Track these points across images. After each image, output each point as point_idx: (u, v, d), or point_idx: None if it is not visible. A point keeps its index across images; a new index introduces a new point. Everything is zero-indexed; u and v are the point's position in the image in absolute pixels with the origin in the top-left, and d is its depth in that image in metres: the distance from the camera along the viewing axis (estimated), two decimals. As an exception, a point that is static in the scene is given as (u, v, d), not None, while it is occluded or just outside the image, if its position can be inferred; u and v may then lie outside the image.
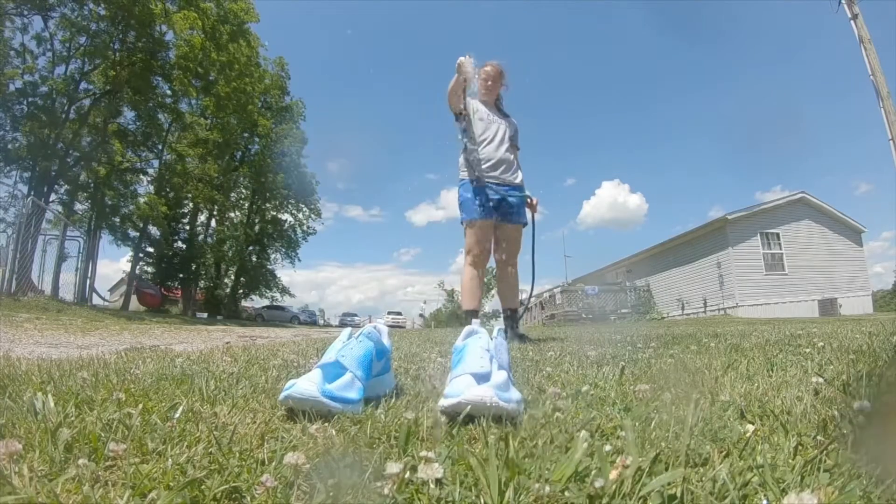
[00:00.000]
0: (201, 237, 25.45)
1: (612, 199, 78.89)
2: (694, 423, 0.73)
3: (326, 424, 0.79)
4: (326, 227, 68.40)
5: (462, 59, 3.00)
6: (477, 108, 3.28)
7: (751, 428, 0.70)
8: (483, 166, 3.16)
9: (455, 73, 3.04)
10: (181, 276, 24.29)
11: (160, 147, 21.08)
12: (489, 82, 3.32)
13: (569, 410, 0.86)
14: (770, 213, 16.09)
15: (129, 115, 19.96)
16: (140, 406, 0.83)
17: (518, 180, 3.26)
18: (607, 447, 0.60)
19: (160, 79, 18.83)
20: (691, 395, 0.88)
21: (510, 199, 3.18)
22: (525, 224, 3.30)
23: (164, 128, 20.51)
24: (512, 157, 3.27)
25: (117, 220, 20.30)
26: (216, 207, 24.59)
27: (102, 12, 16.42)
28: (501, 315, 3.43)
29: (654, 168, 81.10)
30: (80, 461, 0.54)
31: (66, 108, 17.49)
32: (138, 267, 22.50)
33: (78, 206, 19.56)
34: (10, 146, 16.90)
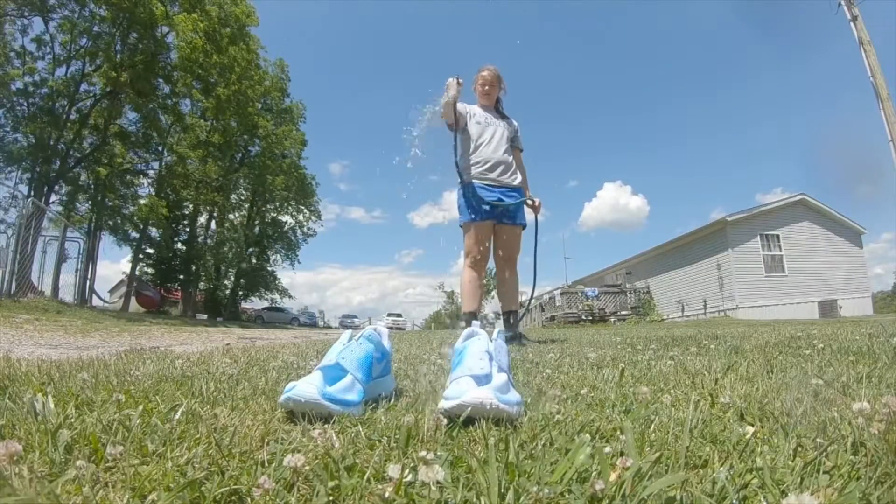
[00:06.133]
0: (201, 238, 25.45)
1: (614, 200, 78.94)
2: (694, 424, 0.73)
3: (326, 426, 0.79)
4: (328, 229, 68.67)
5: (450, 80, 3.02)
6: (474, 112, 3.28)
7: (750, 430, 0.70)
8: (481, 168, 3.16)
9: (445, 91, 3.04)
10: (181, 277, 24.28)
11: (161, 149, 21.11)
12: (486, 87, 3.32)
13: (569, 412, 0.86)
14: (770, 214, 16.09)
15: (130, 116, 20.03)
16: (140, 407, 0.83)
17: (516, 182, 3.25)
18: (607, 449, 0.60)
19: (161, 80, 18.87)
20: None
21: (508, 200, 3.18)
22: (524, 226, 3.30)
23: (166, 129, 20.55)
24: (511, 158, 3.27)
25: (117, 221, 20.31)
26: (216, 209, 24.60)
27: (104, 14, 16.46)
28: (501, 317, 3.42)
29: (656, 170, 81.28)
30: (80, 462, 0.54)
31: (66, 109, 17.51)
32: (138, 268, 22.50)
33: (78, 208, 19.57)
34: (10, 147, 16.91)
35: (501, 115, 3.38)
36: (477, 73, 3.35)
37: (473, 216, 3.12)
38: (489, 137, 3.21)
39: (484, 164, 3.17)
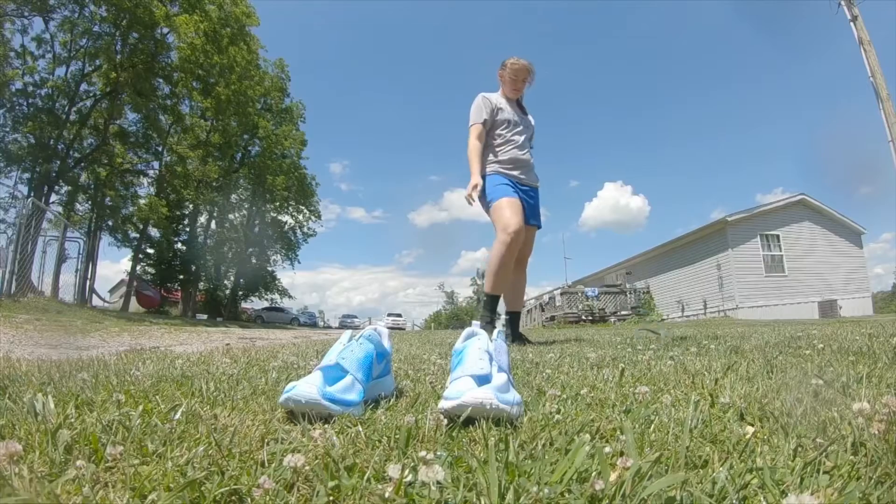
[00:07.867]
0: (201, 238, 25.46)
1: (615, 201, 78.97)
2: (693, 424, 0.73)
3: (326, 426, 0.79)
4: (328, 229, 69.02)
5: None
6: (503, 106, 3.16)
7: (750, 430, 0.70)
8: (507, 166, 3.10)
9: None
10: (181, 277, 24.30)
11: (161, 149, 21.12)
12: (519, 81, 3.19)
13: (569, 412, 0.86)
14: (770, 214, 16.09)
15: (130, 116, 20.04)
16: (140, 407, 0.83)
17: (537, 183, 3.23)
18: (607, 449, 0.60)
19: (161, 80, 18.88)
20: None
21: (530, 200, 3.15)
22: (539, 227, 3.28)
23: (166, 129, 20.56)
24: (532, 160, 3.23)
25: (118, 221, 20.31)
26: (216, 209, 24.61)
27: (104, 14, 16.47)
28: (503, 316, 3.41)
29: (656, 170, 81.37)
30: (80, 462, 0.54)
31: (66, 109, 17.52)
32: (139, 268, 22.51)
33: (78, 208, 19.58)
34: (10, 147, 16.91)
35: (523, 111, 3.29)
36: (508, 60, 3.16)
37: (509, 192, 3.01)
38: (520, 139, 3.15)
39: (509, 163, 3.11)
